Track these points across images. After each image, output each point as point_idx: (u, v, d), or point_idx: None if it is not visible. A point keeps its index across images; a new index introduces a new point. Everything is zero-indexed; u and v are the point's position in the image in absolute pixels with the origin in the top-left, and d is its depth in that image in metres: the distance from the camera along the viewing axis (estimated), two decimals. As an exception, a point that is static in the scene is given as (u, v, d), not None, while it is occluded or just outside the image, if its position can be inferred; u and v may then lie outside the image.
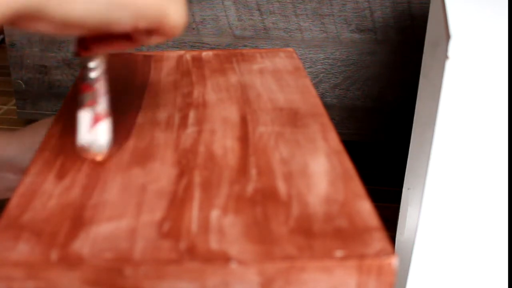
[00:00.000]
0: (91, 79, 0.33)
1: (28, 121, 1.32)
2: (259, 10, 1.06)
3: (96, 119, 0.33)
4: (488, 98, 0.47)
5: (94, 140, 0.33)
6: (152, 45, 0.34)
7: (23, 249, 0.27)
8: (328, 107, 1.12)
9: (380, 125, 1.12)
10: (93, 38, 0.32)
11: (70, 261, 0.27)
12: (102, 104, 0.34)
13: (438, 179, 0.51)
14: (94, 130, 0.33)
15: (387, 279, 0.27)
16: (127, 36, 0.32)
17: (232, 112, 0.42)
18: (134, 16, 0.29)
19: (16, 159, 0.54)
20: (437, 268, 0.56)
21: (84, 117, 0.33)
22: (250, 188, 0.32)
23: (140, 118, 0.42)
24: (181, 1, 0.31)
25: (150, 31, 0.31)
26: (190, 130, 0.40)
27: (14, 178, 0.55)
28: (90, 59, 0.33)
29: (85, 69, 0.33)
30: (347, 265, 0.27)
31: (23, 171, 0.54)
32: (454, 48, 0.45)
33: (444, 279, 0.57)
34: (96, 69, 0.33)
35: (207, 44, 1.10)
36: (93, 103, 0.33)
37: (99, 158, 0.34)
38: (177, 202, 0.31)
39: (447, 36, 0.46)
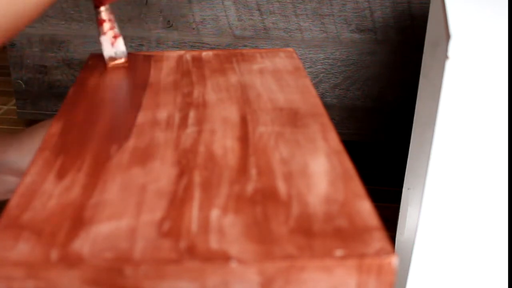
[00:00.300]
0: (105, 16, 0.51)
1: (28, 121, 1.32)
2: (259, 10, 1.06)
3: (115, 37, 0.51)
4: (488, 98, 0.47)
5: (117, 50, 0.51)
6: None
7: (23, 249, 0.27)
8: (328, 107, 1.12)
9: (380, 125, 1.13)
10: None
11: (70, 261, 0.27)
12: (116, 28, 0.51)
13: (438, 179, 0.51)
14: (115, 44, 0.51)
15: (387, 279, 0.28)
16: None
17: (232, 112, 0.42)
18: None
19: (16, 162, 0.54)
20: (437, 268, 0.56)
21: (106, 39, 0.51)
22: (250, 188, 0.32)
23: (140, 118, 0.42)
24: None
25: None
26: (190, 130, 0.40)
27: (14, 181, 0.55)
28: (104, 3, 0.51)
29: (99, 13, 0.51)
30: (347, 265, 0.27)
31: (23, 174, 0.54)
32: (454, 48, 0.45)
33: (444, 279, 0.57)
34: (106, 10, 0.50)
35: (207, 44, 1.11)
36: (112, 27, 0.51)
37: (123, 60, 0.52)
38: (177, 202, 0.31)
39: (447, 36, 0.46)
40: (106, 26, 0.51)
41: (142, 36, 1.11)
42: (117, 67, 0.51)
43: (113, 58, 0.52)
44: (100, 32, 0.51)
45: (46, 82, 1.19)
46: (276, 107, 0.43)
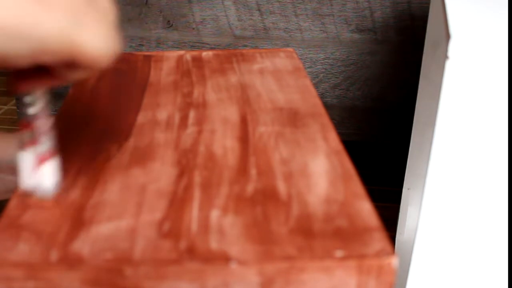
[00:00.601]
0: (29, 115, 0.29)
1: (28, 121, 1.32)
2: (259, 10, 1.06)
3: (39, 161, 0.30)
4: (488, 98, 0.47)
5: (39, 184, 0.30)
6: (77, 80, 0.28)
7: (23, 249, 0.27)
8: (328, 107, 1.12)
9: (380, 125, 1.12)
10: (18, 74, 0.28)
11: (70, 261, 0.27)
12: (45, 144, 0.30)
13: (438, 179, 0.51)
14: (37, 172, 0.30)
15: (387, 279, 0.27)
16: (51, 71, 0.28)
17: (232, 112, 0.42)
18: (34, 49, 0.25)
19: (15, 161, 0.54)
20: (437, 268, 0.56)
21: (25, 158, 0.30)
22: (250, 188, 0.32)
23: (140, 118, 0.42)
24: (103, 25, 0.26)
25: (69, 65, 0.27)
26: (190, 130, 0.40)
27: (14, 180, 0.55)
28: (26, 93, 0.29)
29: (22, 106, 0.29)
30: (347, 265, 0.27)
31: None
32: (454, 48, 0.45)
33: (444, 279, 0.57)
34: (33, 104, 0.29)
35: (207, 44, 1.10)
36: (34, 142, 0.29)
37: (46, 203, 0.30)
38: (177, 202, 0.31)
39: (447, 36, 0.46)
40: (28, 135, 0.30)
41: (142, 36, 1.11)
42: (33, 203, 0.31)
43: (27, 194, 0.31)
44: (18, 142, 0.30)
45: (46, 82, 1.18)
46: (276, 107, 0.43)
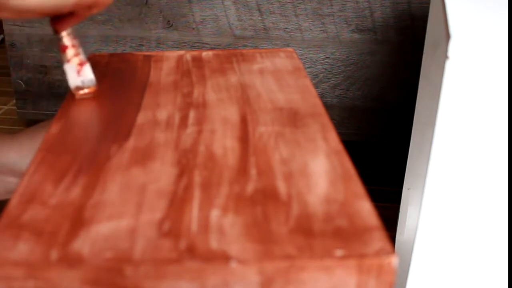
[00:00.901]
0: (68, 41, 0.45)
1: (28, 121, 1.32)
2: (259, 10, 1.06)
3: (81, 65, 0.45)
4: (488, 98, 0.47)
5: (84, 79, 0.45)
6: (92, 15, 0.42)
7: (23, 249, 0.27)
8: (328, 107, 1.12)
9: (380, 125, 1.12)
10: (56, 19, 0.44)
11: (70, 261, 0.27)
12: (81, 54, 0.45)
13: (438, 179, 0.51)
14: (81, 73, 0.45)
15: (387, 279, 0.28)
16: (72, 13, 0.42)
17: (232, 112, 0.42)
18: (76, 2, 0.37)
19: (16, 163, 0.54)
20: (437, 268, 0.56)
21: (70, 67, 0.45)
22: (250, 188, 0.32)
23: (140, 118, 0.42)
24: None
25: (90, 6, 0.40)
26: (190, 130, 0.40)
27: (14, 181, 0.55)
28: (63, 30, 0.46)
29: (59, 39, 0.45)
30: (347, 265, 0.27)
31: (22, 174, 0.54)
32: (454, 48, 0.45)
33: (444, 279, 0.57)
34: (68, 35, 0.45)
35: (207, 44, 1.11)
36: (77, 54, 0.45)
37: (92, 90, 0.45)
38: (177, 202, 0.31)
39: (447, 36, 0.46)
40: (70, 52, 0.45)
41: (142, 36, 1.11)
42: (85, 97, 0.45)
43: (79, 88, 0.45)
44: (63, 60, 0.45)
45: (46, 82, 1.19)
46: (276, 107, 0.43)
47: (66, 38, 0.45)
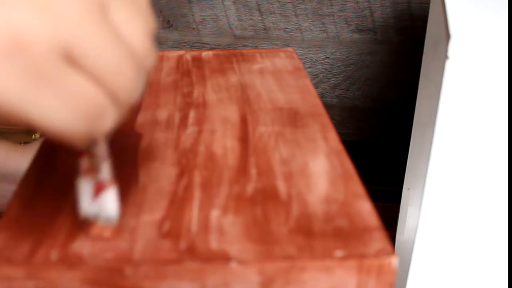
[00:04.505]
0: (98, 150, 0.28)
1: (28, 121, 1.31)
2: (259, 10, 1.06)
3: (99, 188, 0.28)
4: (488, 98, 0.47)
5: (100, 212, 0.28)
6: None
7: (23, 249, 0.27)
8: (328, 107, 1.12)
9: (380, 125, 1.12)
10: None
11: (70, 261, 0.27)
12: (105, 170, 0.28)
13: (438, 179, 0.51)
14: (98, 200, 0.28)
15: (387, 279, 0.28)
16: None
17: (232, 112, 0.42)
18: None
19: (21, 171, 0.55)
20: (437, 268, 0.56)
21: (85, 186, 0.28)
22: (250, 188, 0.32)
23: (140, 118, 0.42)
24: (78, 95, 0.22)
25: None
26: (190, 130, 0.40)
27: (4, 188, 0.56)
28: None
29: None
30: (347, 265, 0.27)
31: None
32: (454, 48, 0.45)
33: (444, 279, 0.57)
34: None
35: (207, 44, 1.10)
36: (93, 170, 0.28)
37: (107, 233, 0.29)
38: (177, 202, 0.31)
39: (447, 36, 0.46)
40: (84, 163, 0.28)
41: (142, 36, 1.11)
42: (96, 235, 0.29)
43: (90, 222, 0.29)
44: (78, 169, 0.28)
45: (46, 82, 1.18)
46: (276, 107, 0.43)
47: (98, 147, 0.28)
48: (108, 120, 0.23)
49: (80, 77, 0.22)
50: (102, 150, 0.28)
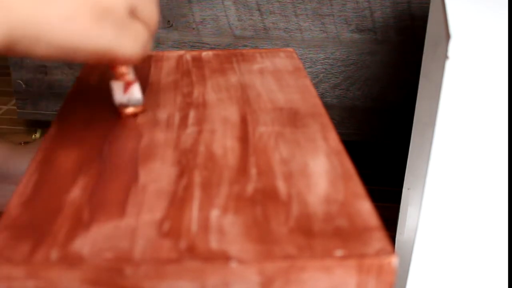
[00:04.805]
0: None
1: (28, 121, 1.32)
2: (259, 10, 1.06)
3: (128, 84, 0.41)
4: (488, 98, 0.47)
5: (131, 97, 0.42)
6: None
7: (23, 249, 0.27)
8: (328, 107, 1.12)
9: (380, 125, 1.13)
10: None
11: (70, 261, 0.27)
12: (131, 73, 0.41)
13: (438, 179, 0.51)
14: (129, 91, 0.41)
15: (387, 279, 0.28)
16: None
17: (232, 112, 0.42)
18: (89, 57, 0.34)
19: (20, 172, 0.55)
20: (437, 268, 0.56)
21: (117, 85, 0.41)
22: (250, 188, 0.32)
23: (140, 118, 0.42)
24: (138, 35, 0.36)
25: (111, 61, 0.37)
26: (190, 130, 0.40)
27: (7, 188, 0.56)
28: None
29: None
30: (347, 265, 0.27)
31: None
32: (454, 48, 0.45)
33: (444, 279, 0.57)
34: None
35: (207, 44, 1.11)
36: (125, 74, 0.41)
37: (138, 109, 0.42)
38: (177, 202, 0.31)
39: (447, 36, 0.46)
40: (119, 70, 0.41)
41: (142, 36, 1.11)
42: (131, 115, 0.43)
43: (124, 105, 0.42)
44: (111, 76, 0.44)
45: (46, 82, 1.19)
46: (276, 107, 0.43)
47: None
48: (149, 46, 0.37)
49: (140, 23, 0.36)
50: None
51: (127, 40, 0.35)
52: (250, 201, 0.31)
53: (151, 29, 0.37)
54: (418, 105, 0.65)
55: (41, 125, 1.26)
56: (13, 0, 0.31)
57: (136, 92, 0.42)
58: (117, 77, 0.41)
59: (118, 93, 0.42)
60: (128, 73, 0.41)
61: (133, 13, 0.35)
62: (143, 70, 0.51)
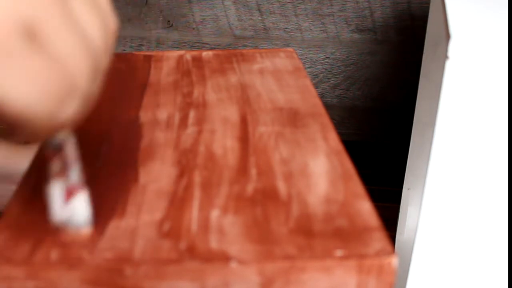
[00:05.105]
0: (55, 145, 0.27)
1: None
2: (259, 10, 1.06)
3: (69, 193, 0.28)
4: (488, 98, 0.47)
5: (71, 216, 0.28)
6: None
7: (23, 249, 0.27)
8: (328, 107, 1.12)
9: (380, 125, 1.12)
10: None
11: (70, 261, 0.27)
12: (74, 174, 0.28)
13: (438, 179, 0.51)
14: (69, 205, 0.28)
15: (387, 279, 0.28)
16: None
17: (232, 112, 0.42)
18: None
19: (20, 171, 0.55)
20: (437, 268, 0.56)
21: (55, 190, 0.27)
22: (250, 188, 0.32)
23: (140, 118, 0.42)
24: (40, 71, 0.21)
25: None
26: (190, 130, 0.40)
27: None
28: None
29: (50, 142, 0.27)
30: (347, 265, 0.27)
31: None
32: (454, 48, 0.45)
33: (444, 279, 0.57)
34: (65, 139, 0.27)
35: (207, 44, 1.10)
36: (63, 174, 0.27)
37: (81, 233, 0.28)
38: (177, 202, 0.31)
39: (447, 36, 0.46)
40: (55, 167, 0.27)
41: (142, 36, 1.11)
42: (68, 239, 0.28)
43: (62, 227, 0.28)
44: (47, 173, 0.27)
45: (46, 82, 1.18)
46: (276, 107, 0.43)
47: (58, 137, 0.27)
48: (69, 106, 0.22)
49: (43, 56, 0.21)
50: (71, 153, 0.27)
51: (15, 78, 0.20)
52: (250, 201, 0.31)
53: (72, 64, 0.22)
54: (418, 105, 0.65)
55: (41, 125, 1.25)
56: None
57: (79, 208, 0.28)
58: (54, 175, 0.27)
59: (57, 204, 0.28)
60: (68, 173, 0.27)
61: (33, 37, 0.21)
62: (143, 70, 0.51)
